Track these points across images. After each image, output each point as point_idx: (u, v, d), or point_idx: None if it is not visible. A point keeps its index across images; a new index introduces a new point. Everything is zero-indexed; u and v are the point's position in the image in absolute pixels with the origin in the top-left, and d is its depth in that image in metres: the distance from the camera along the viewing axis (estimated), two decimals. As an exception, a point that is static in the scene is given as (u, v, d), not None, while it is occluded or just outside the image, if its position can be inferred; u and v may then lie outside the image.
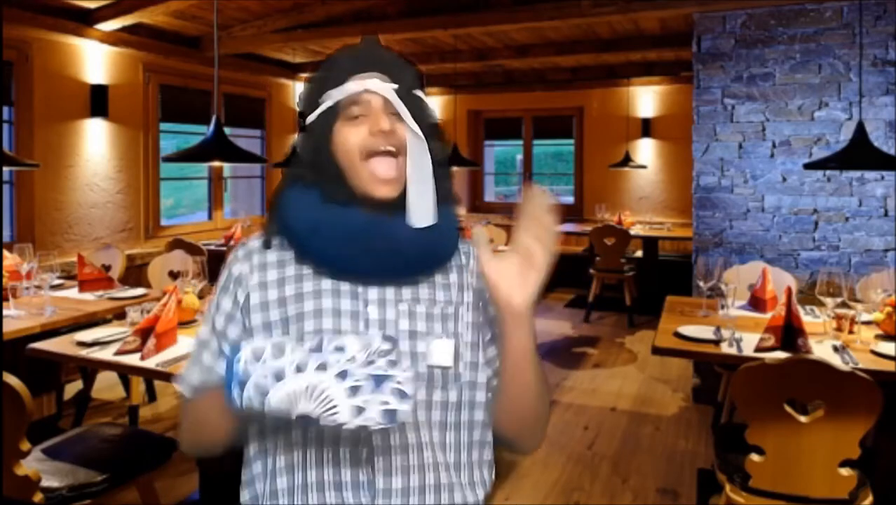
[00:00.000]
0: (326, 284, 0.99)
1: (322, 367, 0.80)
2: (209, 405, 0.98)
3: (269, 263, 1.02)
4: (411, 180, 0.97)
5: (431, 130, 1.00)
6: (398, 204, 0.99)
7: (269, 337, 0.97)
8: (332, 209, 0.98)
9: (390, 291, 1.00)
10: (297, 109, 1.07)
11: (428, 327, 1.00)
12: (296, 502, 0.96)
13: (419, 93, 1.03)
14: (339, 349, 0.81)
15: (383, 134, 0.96)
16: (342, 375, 0.80)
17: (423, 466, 0.98)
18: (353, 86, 0.98)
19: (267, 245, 1.03)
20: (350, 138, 0.98)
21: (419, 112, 0.99)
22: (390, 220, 0.98)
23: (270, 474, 0.99)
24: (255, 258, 1.03)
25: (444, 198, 1.02)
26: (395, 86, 0.98)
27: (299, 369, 0.80)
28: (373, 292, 0.99)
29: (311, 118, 1.01)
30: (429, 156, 0.97)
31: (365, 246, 0.96)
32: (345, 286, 0.99)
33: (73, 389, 3.82)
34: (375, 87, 0.97)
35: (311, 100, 1.02)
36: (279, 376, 0.79)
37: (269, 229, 1.04)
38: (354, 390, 0.80)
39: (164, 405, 3.88)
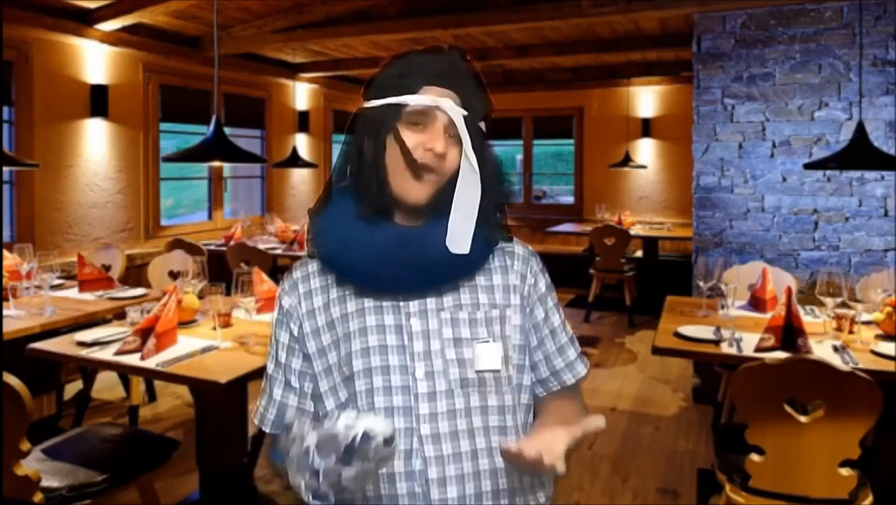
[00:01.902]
0: (369, 302, 1.00)
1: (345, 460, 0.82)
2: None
3: (314, 290, 1.04)
4: (456, 207, 0.97)
5: (485, 155, 1.00)
6: (430, 212, 0.99)
7: (325, 360, 1.00)
8: (364, 226, 0.98)
9: (431, 301, 1.00)
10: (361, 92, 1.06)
11: (473, 333, 1.00)
12: None
13: (482, 125, 1.02)
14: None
15: (435, 155, 0.96)
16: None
17: (479, 474, 0.97)
18: (426, 98, 0.97)
19: (310, 274, 1.04)
20: (406, 140, 0.97)
21: (478, 145, 0.98)
22: (423, 231, 0.98)
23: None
24: (301, 287, 1.05)
25: (496, 224, 1.02)
26: (465, 113, 0.98)
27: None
28: (414, 304, 1.00)
29: (374, 104, 1.00)
30: (479, 188, 0.97)
31: (399, 260, 0.97)
32: (387, 301, 1.00)
33: (73, 389, 3.81)
34: (448, 107, 0.97)
35: (382, 90, 1.00)
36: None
37: (308, 253, 1.05)
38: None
39: (164, 405, 3.88)
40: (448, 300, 1.01)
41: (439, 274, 0.99)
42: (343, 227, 0.99)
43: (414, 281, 0.98)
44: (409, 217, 1.00)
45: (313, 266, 1.05)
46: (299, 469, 0.84)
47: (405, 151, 0.97)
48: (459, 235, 0.97)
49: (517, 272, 1.06)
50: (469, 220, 0.97)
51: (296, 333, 1.04)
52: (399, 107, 0.97)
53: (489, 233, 1.03)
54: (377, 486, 0.96)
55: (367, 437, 0.81)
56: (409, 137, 0.97)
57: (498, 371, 0.99)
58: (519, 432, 1.02)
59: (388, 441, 0.82)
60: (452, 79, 1.00)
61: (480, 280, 1.03)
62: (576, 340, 1.13)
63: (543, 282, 1.10)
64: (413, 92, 0.97)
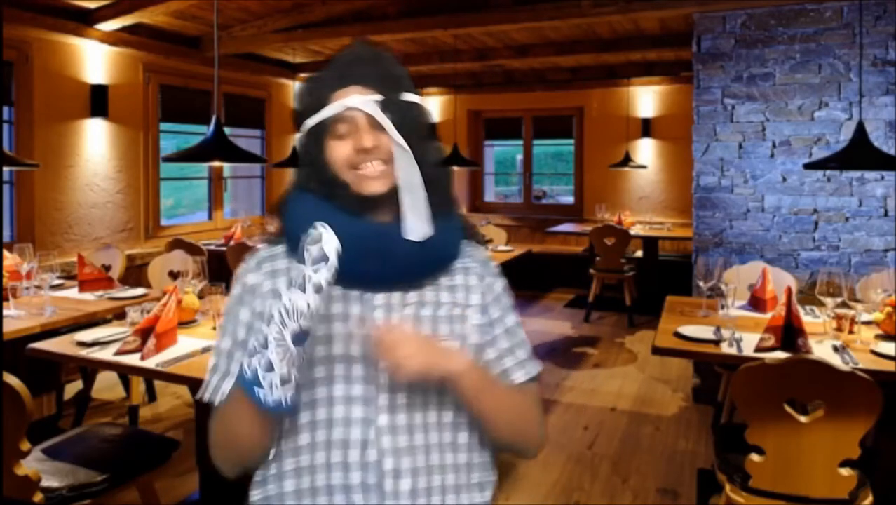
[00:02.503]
0: (335, 289, 1.00)
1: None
2: (240, 412, 0.94)
3: (279, 270, 1.04)
4: (402, 192, 0.98)
5: (424, 132, 1.01)
6: (398, 212, 1.00)
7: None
8: (334, 217, 0.98)
9: (396, 296, 1.01)
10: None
11: (434, 329, 1.01)
12: (303, 504, 0.97)
13: (408, 96, 1.02)
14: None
15: (367, 151, 0.98)
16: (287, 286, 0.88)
17: (431, 468, 0.98)
18: (332, 107, 0.99)
19: (275, 254, 1.05)
20: (338, 153, 1.00)
21: (406, 117, 0.99)
22: (392, 227, 0.99)
23: (279, 477, 0.99)
24: (266, 266, 1.05)
25: (443, 201, 1.03)
26: (378, 97, 0.99)
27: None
28: (379, 297, 1.01)
29: (300, 137, 1.05)
30: (416, 166, 0.98)
31: (369, 252, 0.97)
32: (353, 291, 1.00)
33: (73, 389, 3.81)
34: (355, 103, 0.98)
35: (302, 116, 1.04)
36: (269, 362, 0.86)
37: (275, 235, 1.06)
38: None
39: (164, 405, 3.88)
40: (412, 296, 1.02)
41: (406, 269, 1.00)
42: (314, 213, 0.98)
43: (382, 274, 0.99)
44: (378, 213, 1.01)
45: (280, 247, 1.05)
46: (263, 346, 0.87)
47: (341, 161, 0.99)
48: (415, 218, 0.98)
49: (476, 273, 1.08)
50: (419, 198, 0.98)
51: (258, 311, 1.02)
52: (321, 125, 1.00)
53: (454, 235, 1.05)
54: (330, 474, 0.96)
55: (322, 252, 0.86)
56: (340, 147, 1.00)
57: None
58: (472, 429, 1.03)
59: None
60: (353, 73, 1.01)
61: (443, 279, 1.05)
62: (528, 344, 1.13)
63: (500, 284, 1.11)
64: (323, 106, 1.00)
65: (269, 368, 0.86)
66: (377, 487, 0.95)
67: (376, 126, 0.98)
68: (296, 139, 1.08)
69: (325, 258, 0.86)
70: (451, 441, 1.01)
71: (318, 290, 0.86)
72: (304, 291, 0.85)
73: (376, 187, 0.99)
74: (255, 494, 1.03)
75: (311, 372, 0.97)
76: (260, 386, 0.86)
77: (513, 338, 1.10)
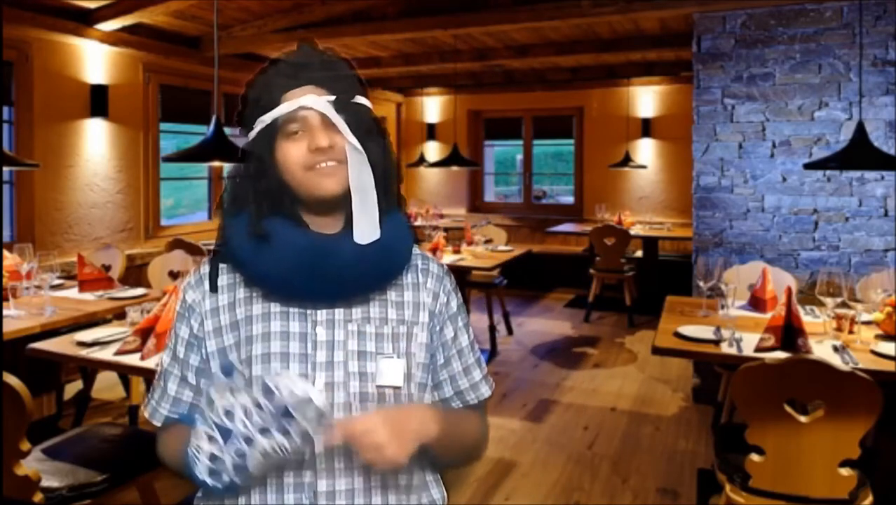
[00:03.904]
0: (276, 306, 0.99)
1: (246, 438, 0.85)
2: (177, 447, 0.97)
3: (221, 287, 1.02)
4: (354, 193, 0.96)
5: (373, 137, 1.00)
6: (345, 218, 0.99)
7: (227, 362, 0.99)
8: (275, 231, 0.96)
9: (339, 312, 0.99)
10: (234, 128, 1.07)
11: (378, 347, 0.99)
12: None
13: (359, 98, 1.01)
14: (229, 416, 0.86)
15: (322, 150, 0.96)
16: (263, 430, 0.85)
17: (370, 490, 0.97)
18: (287, 105, 0.97)
19: (214, 268, 1.03)
20: (290, 154, 0.97)
21: (358, 120, 0.98)
22: (336, 239, 0.97)
23: (217, 496, 1.00)
24: (206, 283, 1.03)
25: (390, 205, 1.01)
26: (331, 97, 0.97)
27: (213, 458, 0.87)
28: (321, 313, 0.98)
29: (248, 139, 1.01)
30: (369, 167, 0.97)
31: (310, 267, 0.95)
32: (294, 308, 0.98)
33: (73, 389, 3.81)
34: (310, 102, 0.96)
35: (250, 119, 1.01)
36: (251, 442, 0.85)
37: (217, 251, 1.04)
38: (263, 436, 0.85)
39: (164, 405, 3.88)
40: (357, 312, 0.99)
41: (350, 285, 0.97)
42: (255, 227, 0.97)
43: (323, 290, 0.97)
44: (323, 219, 0.99)
45: (221, 263, 1.03)
46: (211, 441, 0.86)
47: (294, 161, 0.97)
48: (365, 221, 0.96)
49: (429, 290, 1.05)
50: (369, 201, 0.96)
51: (195, 330, 1.02)
52: (271, 126, 0.98)
53: (401, 244, 1.02)
54: (264, 496, 0.95)
55: (308, 399, 0.83)
56: (292, 147, 0.97)
57: (399, 388, 0.98)
58: (417, 452, 1.00)
59: (321, 413, 0.85)
60: (306, 73, 0.99)
61: (391, 295, 1.02)
62: (483, 362, 1.12)
63: (455, 301, 1.08)
64: (275, 105, 0.98)
65: (214, 469, 0.87)
66: (311, 487, 0.94)
67: (330, 126, 0.97)
68: (239, 141, 1.05)
69: (309, 403, 0.84)
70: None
71: (304, 436, 0.85)
72: (285, 435, 0.84)
73: (331, 186, 0.96)
74: (199, 496, 1.06)
75: (251, 390, 0.97)
76: (198, 468, 0.88)
77: (467, 359, 1.08)
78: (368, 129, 0.99)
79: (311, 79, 0.99)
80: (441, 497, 1.07)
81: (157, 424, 1.05)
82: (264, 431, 0.84)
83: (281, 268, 0.96)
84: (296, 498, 0.95)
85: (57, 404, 3.44)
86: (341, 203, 0.98)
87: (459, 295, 1.11)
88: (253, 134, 1.01)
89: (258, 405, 0.84)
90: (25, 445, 1.79)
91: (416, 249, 1.07)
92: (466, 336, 1.09)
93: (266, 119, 0.98)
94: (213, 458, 0.86)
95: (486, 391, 1.10)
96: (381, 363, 0.98)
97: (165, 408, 1.04)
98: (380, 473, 0.96)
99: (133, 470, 2.11)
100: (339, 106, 0.97)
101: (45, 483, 1.90)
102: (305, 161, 0.97)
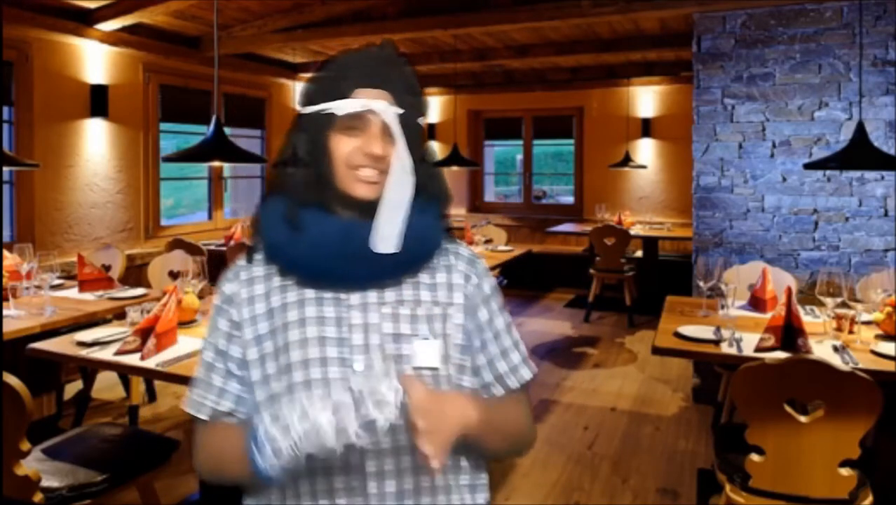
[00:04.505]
0: (310, 292, 1.00)
1: (321, 405, 0.84)
2: (229, 439, 0.97)
3: (257, 277, 1.03)
4: (385, 206, 0.97)
5: (423, 147, 1.01)
6: (375, 207, 0.99)
7: (261, 348, 0.99)
8: (309, 218, 0.97)
9: (373, 295, 1.00)
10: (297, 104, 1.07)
11: (413, 329, 0.99)
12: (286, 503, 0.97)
13: (420, 121, 1.03)
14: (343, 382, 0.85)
15: (373, 158, 0.97)
16: (335, 408, 0.84)
17: (417, 469, 0.97)
18: (358, 103, 0.97)
19: (249, 260, 1.05)
20: (341, 148, 0.98)
21: (415, 140, 0.99)
22: (367, 225, 0.98)
23: (266, 496, 1.00)
24: (243, 274, 1.04)
25: (435, 222, 1.02)
26: (401, 111, 0.98)
27: (303, 415, 0.84)
28: (355, 297, 0.99)
29: (308, 111, 1.01)
30: (411, 189, 0.97)
31: (343, 253, 0.96)
32: (327, 293, 0.99)
33: (73, 389, 3.81)
34: (380, 109, 0.97)
35: (315, 97, 1.01)
36: (286, 430, 0.84)
37: (253, 242, 1.05)
38: (340, 418, 0.83)
39: (164, 405, 3.88)
40: (390, 295, 1.00)
41: (382, 268, 0.98)
42: (289, 217, 0.98)
43: (356, 274, 0.98)
44: (355, 213, 1.00)
45: (258, 254, 1.05)
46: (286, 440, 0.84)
47: (344, 157, 0.97)
48: (386, 234, 0.97)
49: (461, 272, 1.06)
50: (396, 219, 0.97)
51: (236, 320, 1.02)
52: (332, 114, 0.98)
53: (432, 231, 1.03)
54: (314, 478, 0.96)
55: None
56: (346, 143, 0.98)
57: (437, 369, 0.98)
58: None
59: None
60: (385, 78, 0.99)
61: (424, 277, 1.03)
62: (522, 344, 1.12)
63: (488, 284, 1.09)
64: (345, 96, 0.98)
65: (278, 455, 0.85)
66: (361, 490, 0.95)
67: (387, 136, 0.97)
68: (297, 117, 1.04)
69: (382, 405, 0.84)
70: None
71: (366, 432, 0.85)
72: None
73: (367, 194, 0.98)
74: (247, 500, 1.05)
75: (289, 377, 0.97)
76: (264, 459, 0.86)
77: (504, 341, 1.08)
78: (421, 151, 1.01)
79: (386, 83, 0.99)
80: (486, 500, 1.07)
81: (204, 417, 1.03)
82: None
83: (312, 253, 0.97)
84: (345, 481, 0.95)
85: (57, 404, 3.43)
86: (372, 206, 0.98)
87: (492, 278, 1.11)
88: (311, 111, 1.00)
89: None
90: (25, 445, 1.79)
91: (445, 235, 1.08)
92: (502, 319, 1.09)
93: (331, 106, 0.98)
94: (283, 424, 0.85)
95: (526, 374, 1.10)
96: (416, 345, 0.98)
97: (211, 400, 1.03)
98: (428, 473, 0.96)
99: (133, 470, 2.11)
100: (403, 121, 0.98)
101: (45, 483, 1.90)
102: (353, 159, 0.97)
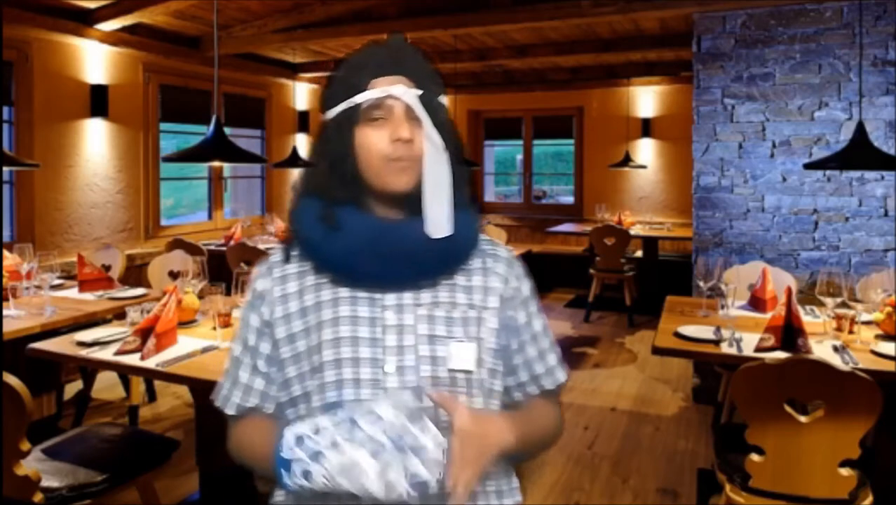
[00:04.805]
0: (344, 291, 0.99)
1: (358, 441, 0.82)
2: (256, 433, 0.99)
3: (290, 275, 1.03)
4: (428, 190, 0.96)
5: (451, 138, 1.00)
6: (412, 207, 0.98)
7: (294, 347, 0.99)
8: (344, 216, 0.97)
9: (408, 296, 0.99)
10: (318, 106, 1.07)
11: (448, 331, 0.98)
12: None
13: (442, 99, 1.02)
14: (373, 416, 0.83)
15: (403, 142, 0.96)
16: (375, 452, 0.81)
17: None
18: (377, 91, 0.97)
19: (287, 259, 1.04)
20: (370, 140, 0.97)
21: (440, 119, 0.99)
22: (404, 224, 0.98)
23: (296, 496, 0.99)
24: (276, 271, 1.04)
25: (462, 201, 1.01)
26: (420, 92, 0.98)
27: (335, 445, 0.82)
28: (390, 297, 0.98)
29: (331, 114, 1.01)
30: (447, 166, 0.97)
31: (378, 252, 0.96)
32: (362, 292, 0.99)
33: (73, 389, 3.81)
34: (399, 92, 0.96)
35: (334, 98, 1.01)
36: (317, 457, 0.82)
37: (287, 240, 1.05)
38: (385, 467, 0.81)
39: (164, 405, 3.88)
40: (426, 296, 0.99)
41: (418, 269, 0.98)
42: (324, 215, 0.98)
43: (391, 273, 0.97)
44: (391, 209, 1.00)
45: (292, 251, 1.04)
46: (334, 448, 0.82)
47: (374, 148, 0.97)
48: (438, 217, 0.96)
49: (499, 275, 1.05)
50: (444, 199, 0.96)
51: (267, 317, 1.02)
52: (355, 108, 0.98)
53: (468, 230, 1.02)
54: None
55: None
56: (373, 134, 0.97)
57: (470, 372, 0.98)
58: None
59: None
60: (399, 64, 1.00)
61: (460, 279, 1.02)
62: (557, 346, 1.12)
63: (526, 286, 1.09)
64: (363, 89, 0.98)
65: (307, 473, 0.83)
66: None
67: (413, 119, 0.97)
68: (322, 122, 1.04)
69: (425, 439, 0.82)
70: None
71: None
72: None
73: (404, 182, 0.97)
74: (278, 495, 1.04)
75: (321, 376, 0.97)
76: (290, 477, 0.84)
77: (542, 343, 1.08)
78: (448, 130, 1.00)
79: (401, 70, 0.99)
80: (517, 486, 1.07)
81: (231, 413, 1.05)
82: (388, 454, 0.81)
83: (348, 252, 0.96)
84: None
85: (57, 404, 3.43)
86: (409, 197, 0.98)
87: (530, 280, 1.11)
88: (335, 113, 1.00)
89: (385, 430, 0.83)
90: (25, 445, 1.79)
91: (483, 236, 1.07)
92: (540, 321, 1.09)
93: (353, 101, 0.98)
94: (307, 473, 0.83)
95: (561, 376, 1.10)
96: (452, 347, 0.97)
97: (238, 396, 1.04)
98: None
99: (133, 470, 2.12)
100: (425, 101, 0.97)
101: (45, 483, 1.90)
102: (384, 150, 0.96)
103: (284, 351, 1.00)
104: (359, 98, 0.97)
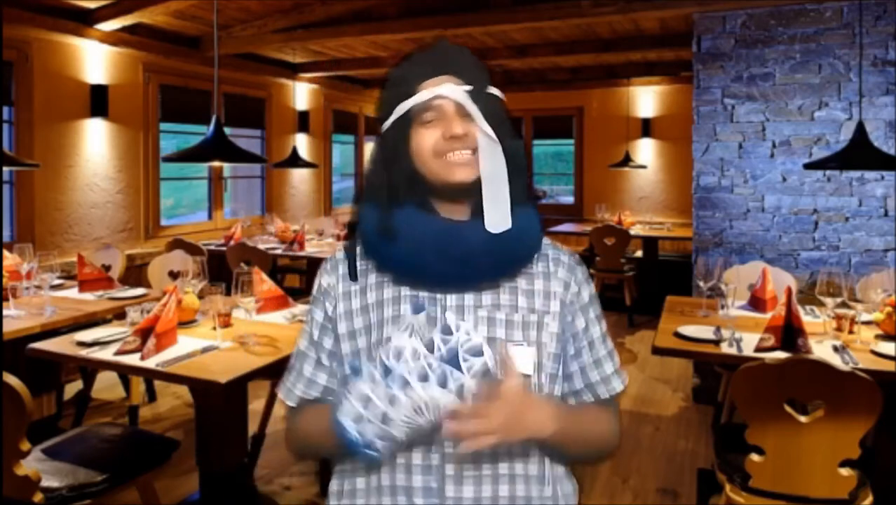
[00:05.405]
0: (406, 290, 1.00)
1: (404, 382, 0.84)
2: (315, 422, 1.00)
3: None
4: (485, 183, 0.97)
5: (505, 129, 1.00)
6: (474, 207, 0.99)
7: (355, 344, 1.01)
8: (407, 217, 0.98)
9: (469, 298, 0.99)
10: (374, 116, 1.09)
11: (508, 334, 0.98)
12: (369, 502, 0.99)
13: (493, 90, 1.02)
14: (397, 355, 0.85)
15: (456, 138, 0.96)
16: (423, 377, 0.84)
17: (497, 477, 0.97)
18: (426, 93, 0.98)
19: (351, 257, 1.05)
20: (425, 141, 0.98)
21: (493, 111, 0.99)
22: (466, 226, 0.98)
23: (351, 472, 1.02)
24: (341, 268, 1.06)
25: (521, 197, 1.00)
26: (468, 87, 0.98)
27: (405, 385, 0.84)
28: (451, 298, 0.99)
29: (386, 125, 1.02)
30: (503, 157, 0.97)
31: (442, 253, 0.96)
32: (424, 292, 0.99)
33: (73, 389, 3.81)
34: (447, 91, 0.97)
35: (387, 107, 1.02)
36: (376, 409, 0.84)
37: (351, 240, 1.06)
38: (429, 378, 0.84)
39: (163, 405, 3.88)
40: (486, 298, 1.00)
41: (479, 271, 0.98)
42: (388, 214, 0.98)
43: (454, 275, 0.97)
44: (454, 208, 1.00)
45: (357, 249, 1.06)
46: (371, 382, 0.85)
47: (430, 149, 0.97)
48: (497, 211, 0.96)
49: (560, 280, 1.04)
50: (502, 190, 0.97)
51: (330, 313, 1.04)
52: (407, 115, 0.99)
53: (531, 231, 1.02)
54: (393, 475, 0.97)
55: (480, 348, 0.85)
56: (428, 135, 0.98)
57: (529, 377, 0.97)
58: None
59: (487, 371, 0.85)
60: (444, 64, 1.00)
61: (521, 283, 1.02)
62: (616, 355, 1.12)
63: (587, 291, 1.08)
64: (411, 94, 0.98)
65: (361, 416, 0.84)
66: (439, 492, 0.95)
67: (465, 115, 0.97)
68: (382, 129, 1.05)
69: (479, 356, 0.84)
70: (524, 451, 0.98)
71: (461, 394, 0.84)
72: (447, 389, 0.84)
73: (463, 175, 0.97)
74: (333, 484, 1.06)
75: None
76: (344, 409, 0.86)
77: (599, 351, 1.08)
78: (501, 121, 1.00)
79: (447, 69, 1.00)
80: (573, 490, 1.07)
81: (291, 404, 1.07)
82: (423, 379, 0.83)
83: (411, 252, 0.97)
84: (424, 480, 0.96)
85: (57, 404, 3.43)
86: (471, 191, 0.98)
87: (592, 285, 1.10)
88: (389, 122, 1.01)
89: (431, 347, 0.85)
90: (25, 445, 1.79)
91: (546, 239, 1.07)
92: (598, 328, 1.09)
93: (403, 107, 0.99)
94: (365, 399, 0.84)
95: (618, 385, 1.10)
96: (511, 351, 0.96)
97: (300, 389, 1.06)
98: (509, 485, 0.97)
99: (133, 470, 2.12)
100: (474, 96, 0.98)
101: (45, 483, 1.90)
102: (438, 148, 0.97)
103: (345, 347, 1.02)
104: (409, 103, 0.98)
